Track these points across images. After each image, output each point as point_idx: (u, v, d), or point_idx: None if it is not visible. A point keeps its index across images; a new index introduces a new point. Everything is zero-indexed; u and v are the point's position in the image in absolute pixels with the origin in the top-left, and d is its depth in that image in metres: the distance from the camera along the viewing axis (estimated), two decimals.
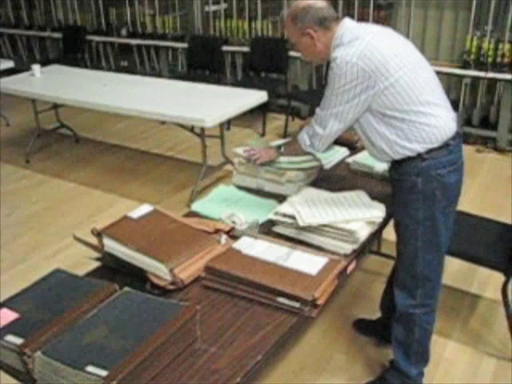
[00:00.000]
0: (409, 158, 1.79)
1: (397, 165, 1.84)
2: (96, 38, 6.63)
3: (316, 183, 2.22)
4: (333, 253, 1.77)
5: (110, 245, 1.73)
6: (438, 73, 1.91)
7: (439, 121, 1.77)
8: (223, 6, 5.83)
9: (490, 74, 4.40)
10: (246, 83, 4.95)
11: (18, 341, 1.33)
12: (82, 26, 6.70)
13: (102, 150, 4.97)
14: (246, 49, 5.50)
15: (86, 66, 6.34)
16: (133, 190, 4.10)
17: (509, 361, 2.33)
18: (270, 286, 1.55)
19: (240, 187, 2.29)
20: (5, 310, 1.44)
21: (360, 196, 1.99)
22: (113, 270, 1.74)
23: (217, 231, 1.84)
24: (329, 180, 2.29)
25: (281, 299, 1.54)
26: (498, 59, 4.37)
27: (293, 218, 1.84)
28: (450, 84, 4.85)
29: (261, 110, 4.80)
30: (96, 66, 6.77)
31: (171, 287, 1.62)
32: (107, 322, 1.37)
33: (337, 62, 1.74)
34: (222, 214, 1.97)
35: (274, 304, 1.55)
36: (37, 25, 7.15)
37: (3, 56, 7.38)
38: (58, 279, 1.58)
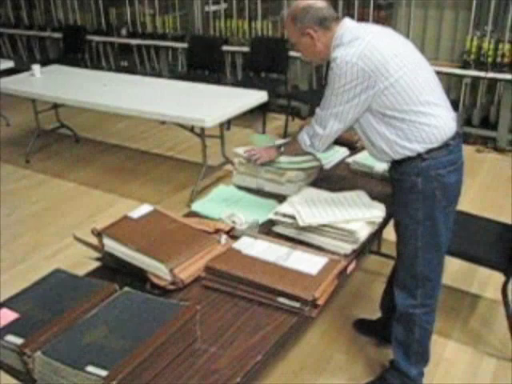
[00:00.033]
0: (409, 158, 1.79)
1: (397, 165, 1.84)
2: (96, 38, 6.63)
3: (316, 183, 2.22)
4: (333, 253, 1.77)
5: (110, 245, 1.73)
6: (438, 73, 1.91)
7: (439, 121, 1.77)
8: (223, 5, 5.83)
9: (490, 74, 4.40)
10: (246, 83, 4.95)
11: (18, 341, 1.33)
12: (82, 25, 6.70)
13: (102, 150, 4.97)
14: (246, 49, 5.50)
15: (86, 66, 6.34)
16: (133, 190, 4.10)
17: (509, 361, 2.33)
18: (270, 286, 1.55)
19: (240, 187, 2.29)
20: (5, 310, 1.44)
21: (360, 196, 1.99)
22: (113, 269, 1.74)
23: (217, 231, 1.84)
24: (329, 180, 2.29)
25: (281, 299, 1.54)
26: (498, 59, 4.37)
27: (293, 218, 1.84)
28: (450, 84, 4.85)
29: (261, 110, 4.80)
30: (96, 66, 6.77)
31: (171, 287, 1.62)
32: (107, 322, 1.37)
33: (337, 62, 1.74)
34: (222, 213, 1.97)
35: (274, 304, 1.55)
36: (37, 25, 7.15)
37: (3, 56, 7.38)
38: (58, 279, 1.58)
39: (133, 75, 5.12)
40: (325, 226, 1.80)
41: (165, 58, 6.33)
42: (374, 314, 2.48)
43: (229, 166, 3.93)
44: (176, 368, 1.33)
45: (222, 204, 2.12)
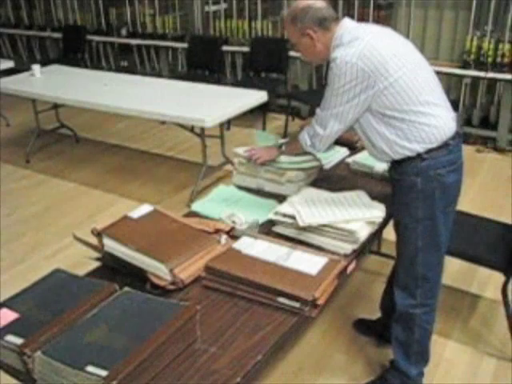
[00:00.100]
0: (408, 158, 1.79)
1: (396, 165, 1.84)
2: (96, 38, 6.63)
3: (316, 183, 2.22)
4: (333, 253, 1.77)
5: (110, 245, 1.73)
6: (437, 73, 1.91)
7: (439, 121, 1.77)
8: (223, 5, 5.83)
9: (490, 74, 4.40)
10: (246, 83, 4.94)
11: (18, 341, 1.33)
12: (82, 25, 6.69)
13: (102, 149, 4.97)
14: (245, 49, 5.50)
15: (86, 66, 6.34)
16: (133, 190, 4.10)
17: (509, 361, 2.33)
18: (270, 286, 1.56)
19: (240, 187, 2.29)
20: (5, 310, 1.44)
21: (360, 196, 1.99)
22: (113, 269, 1.74)
23: (217, 231, 1.84)
24: (329, 180, 2.29)
25: (281, 299, 1.54)
26: (498, 59, 4.37)
27: (293, 218, 1.84)
28: (450, 84, 4.85)
29: (261, 110, 4.80)
30: (96, 65, 6.77)
31: (171, 287, 1.62)
32: (107, 322, 1.37)
33: (336, 62, 1.74)
34: (222, 213, 1.97)
35: (274, 304, 1.55)
36: (37, 25, 7.15)
37: (3, 56, 7.38)
38: (57, 279, 1.58)
39: (133, 75, 5.12)
40: (325, 226, 1.80)
41: (165, 58, 6.33)
42: (374, 314, 2.48)
43: (229, 166, 3.93)
44: (176, 368, 1.33)
45: (221, 204, 2.12)
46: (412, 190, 1.80)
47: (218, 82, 5.11)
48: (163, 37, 6.11)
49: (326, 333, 2.53)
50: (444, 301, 2.42)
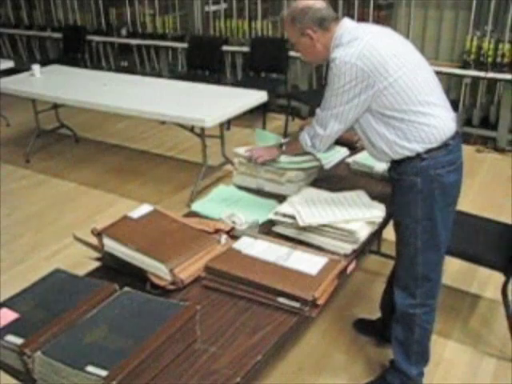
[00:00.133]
0: (408, 158, 1.79)
1: (396, 165, 1.84)
2: (96, 38, 6.63)
3: (316, 183, 2.22)
4: (333, 253, 1.77)
5: (110, 245, 1.73)
6: (437, 73, 1.91)
7: (438, 121, 1.77)
8: (223, 5, 5.83)
9: (490, 74, 4.40)
10: (245, 83, 4.94)
11: (18, 341, 1.33)
12: (82, 26, 6.70)
13: (102, 150, 4.97)
14: (245, 49, 5.50)
15: (85, 66, 6.35)
16: (133, 190, 4.10)
17: (509, 361, 2.33)
18: (270, 286, 1.56)
19: (240, 187, 2.29)
20: (5, 310, 1.44)
21: (360, 196, 1.99)
22: (113, 269, 1.74)
23: (217, 231, 1.84)
24: (329, 180, 2.29)
25: (281, 299, 1.54)
26: (498, 59, 4.37)
27: (293, 218, 1.84)
28: (450, 84, 4.85)
29: (261, 110, 4.80)
30: (96, 65, 6.77)
31: (171, 287, 1.62)
32: (107, 322, 1.37)
33: (336, 62, 1.74)
34: (222, 213, 1.97)
35: (274, 304, 1.55)
36: (37, 25, 7.16)
37: (3, 56, 7.38)
38: (57, 279, 1.58)
39: (133, 75, 5.11)
40: (325, 226, 1.80)
41: (165, 58, 6.33)
42: (374, 313, 2.48)
43: (229, 166, 3.93)
44: (176, 368, 1.33)
45: (221, 204, 2.12)
46: (412, 189, 1.80)
47: (218, 82, 5.11)
48: (163, 37, 6.11)
49: (325, 333, 2.54)
50: (444, 301, 2.42)
